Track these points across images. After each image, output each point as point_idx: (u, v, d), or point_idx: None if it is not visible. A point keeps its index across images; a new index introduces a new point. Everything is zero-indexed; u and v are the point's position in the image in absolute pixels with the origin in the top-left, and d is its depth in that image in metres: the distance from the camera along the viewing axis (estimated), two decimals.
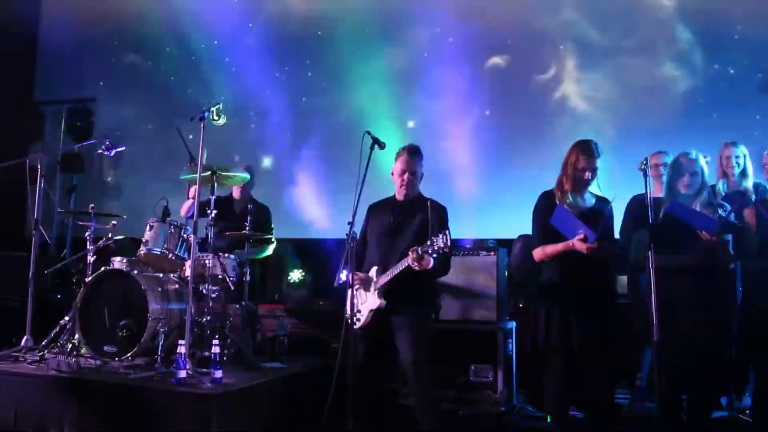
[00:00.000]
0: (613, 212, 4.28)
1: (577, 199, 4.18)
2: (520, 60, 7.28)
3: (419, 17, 7.57)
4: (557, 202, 4.15)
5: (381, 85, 7.30)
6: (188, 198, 5.81)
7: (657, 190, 4.57)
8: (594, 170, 4.13)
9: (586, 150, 4.15)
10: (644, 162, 4.00)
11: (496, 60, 7.38)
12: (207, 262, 5.09)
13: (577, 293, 4.06)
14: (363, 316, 4.31)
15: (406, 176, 4.39)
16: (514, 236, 6.00)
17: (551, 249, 4.14)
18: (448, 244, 3.93)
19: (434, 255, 4.00)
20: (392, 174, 4.49)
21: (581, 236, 3.95)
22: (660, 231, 3.97)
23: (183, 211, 5.89)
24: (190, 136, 5.90)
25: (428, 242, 3.99)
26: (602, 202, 4.22)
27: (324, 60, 7.74)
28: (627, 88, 6.75)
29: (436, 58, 7.44)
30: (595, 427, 4.20)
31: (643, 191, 4.00)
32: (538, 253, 4.23)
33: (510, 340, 5.32)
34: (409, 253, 4.05)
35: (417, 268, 4.06)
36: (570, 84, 7.04)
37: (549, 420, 5.17)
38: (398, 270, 4.17)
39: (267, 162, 7.56)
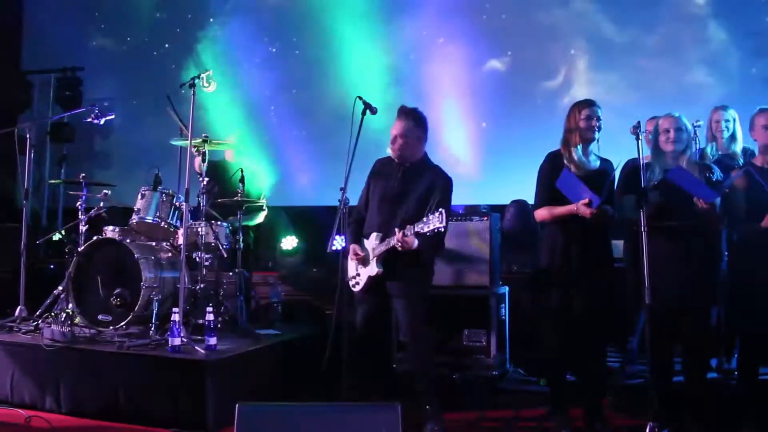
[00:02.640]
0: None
1: (583, 158, 4.13)
2: (523, 62, 6.82)
3: (405, 9, 7.13)
4: (565, 163, 4.12)
5: (373, 60, 6.99)
6: (195, 168, 5.73)
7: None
8: (599, 119, 4.09)
9: (587, 102, 4.14)
10: (637, 125, 3.98)
11: (495, 63, 7.00)
12: (200, 229, 5.08)
13: (578, 256, 4.06)
14: (362, 281, 4.30)
15: (396, 140, 4.31)
16: (507, 202, 6.02)
17: (555, 210, 4.11)
18: (444, 224, 3.86)
19: (428, 233, 3.95)
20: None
21: (585, 201, 3.94)
22: (652, 194, 3.98)
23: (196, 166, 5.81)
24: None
25: (423, 219, 3.93)
26: (607, 165, 4.18)
27: (313, 31, 7.51)
28: (647, 94, 5.91)
29: (424, 59, 7.01)
30: (587, 390, 4.23)
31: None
32: (540, 213, 4.20)
33: (503, 305, 5.36)
34: (395, 230, 4.03)
35: (399, 249, 4.03)
36: (580, 87, 6.42)
37: (542, 383, 5.24)
38: (389, 246, 4.14)
39: (259, 128, 7.46)
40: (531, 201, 5.64)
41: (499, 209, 5.59)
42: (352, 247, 4.32)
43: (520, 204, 5.94)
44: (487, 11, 6.98)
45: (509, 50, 6.96)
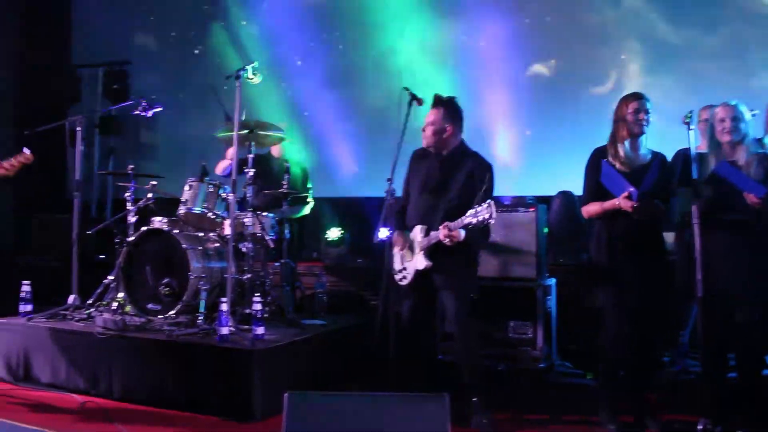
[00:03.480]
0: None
1: (630, 153, 4.06)
2: (569, 67, 6.52)
3: (444, 12, 6.95)
4: (608, 158, 4.04)
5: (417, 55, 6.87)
6: (226, 158, 5.83)
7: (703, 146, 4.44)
8: (647, 111, 4.00)
9: (635, 95, 4.05)
10: (688, 115, 3.90)
11: (539, 68, 6.74)
12: (246, 220, 5.13)
13: (625, 251, 3.98)
14: (408, 275, 4.30)
15: (427, 128, 4.29)
16: (554, 193, 5.95)
17: (601, 206, 4.05)
18: (493, 215, 3.84)
19: (477, 225, 3.94)
20: None
21: (626, 194, 3.88)
22: (704, 187, 3.89)
23: (218, 169, 5.90)
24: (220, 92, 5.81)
25: (471, 211, 3.91)
26: (659, 158, 4.07)
27: (357, 27, 7.45)
28: (706, 99, 5.11)
29: (463, 63, 6.81)
30: (636, 385, 4.17)
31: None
32: (587, 209, 4.13)
33: (549, 297, 5.30)
34: (440, 228, 4.02)
35: (448, 244, 4.03)
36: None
37: (589, 377, 5.18)
38: (434, 240, 4.12)
39: (304, 121, 7.46)
40: (577, 192, 5.64)
41: (545, 200, 5.52)
42: (396, 237, 4.32)
43: (566, 195, 5.86)
44: (530, 14, 6.74)
45: (554, 54, 6.70)
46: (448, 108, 4.29)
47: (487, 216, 3.84)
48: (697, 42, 5.89)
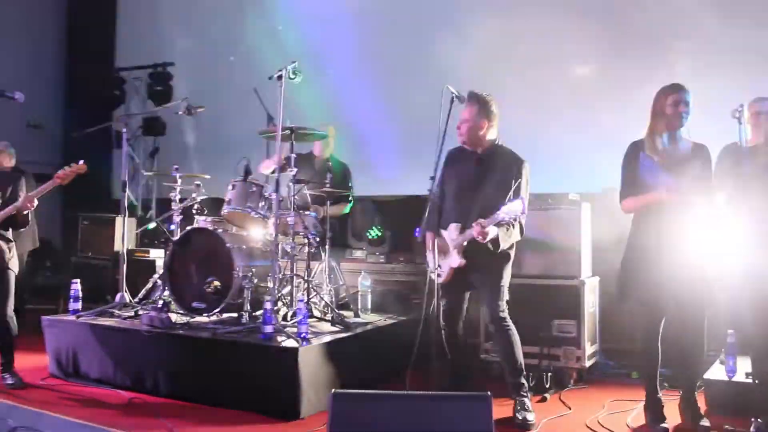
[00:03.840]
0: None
1: (670, 145, 3.98)
2: (612, 68, 6.31)
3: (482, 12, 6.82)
4: (648, 153, 3.97)
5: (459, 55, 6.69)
6: (271, 156, 5.84)
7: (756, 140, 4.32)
8: (687, 103, 3.92)
9: (674, 87, 3.97)
10: (739, 109, 3.81)
11: (580, 70, 6.59)
12: (289, 219, 5.17)
13: (667, 246, 3.89)
14: (444, 273, 4.30)
15: (461, 124, 4.31)
16: (598, 190, 5.86)
17: (640, 200, 3.98)
18: (524, 210, 3.86)
19: (508, 221, 3.94)
20: None
21: (665, 186, 3.81)
22: (754, 182, 3.81)
23: (262, 168, 5.93)
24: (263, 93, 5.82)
25: (503, 207, 3.90)
26: (699, 149, 4.00)
27: (398, 25, 7.44)
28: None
29: (502, 63, 6.63)
30: (683, 384, 4.10)
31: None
32: (626, 204, 4.08)
33: (593, 295, 5.24)
34: (474, 225, 4.00)
35: (481, 240, 4.02)
36: None
37: (634, 376, 5.12)
38: (468, 237, 4.12)
39: (346, 119, 7.48)
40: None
41: (589, 197, 5.45)
42: (428, 238, 4.32)
43: (610, 193, 5.77)
44: (571, 12, 6.53)
45: (596, 55, 6.50)
46: (483, 105, 4.30)
47: (518, 211, 3.84)
48: (752, 40, 5.56)
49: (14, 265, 4.87)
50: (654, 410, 4.03)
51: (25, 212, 4.72)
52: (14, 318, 4.87)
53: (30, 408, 4.32)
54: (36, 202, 4.72)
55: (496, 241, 4.10)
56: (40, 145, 8.81)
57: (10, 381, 4.79)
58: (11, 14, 9.04)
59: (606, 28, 6.37)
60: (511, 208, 3.87)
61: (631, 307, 4.15)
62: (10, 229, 4.85)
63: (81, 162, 4.80)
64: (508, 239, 4.19)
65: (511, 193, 4.07)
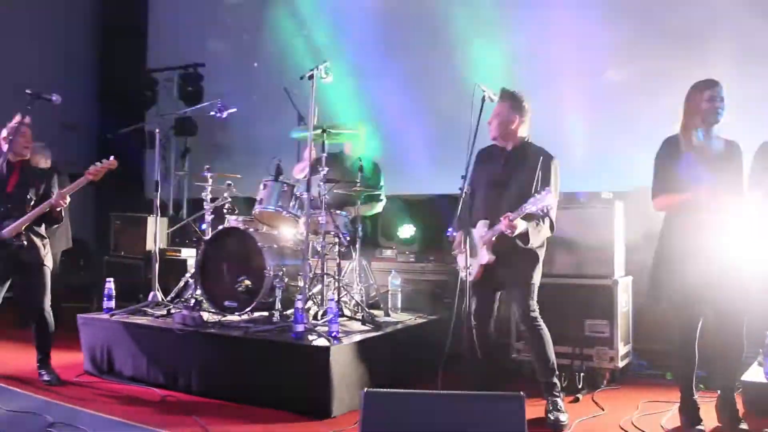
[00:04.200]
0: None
1: (705, 141, 3.91)
2: (648, 72, 6.14)
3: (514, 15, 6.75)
4: (683, 148, 3.92)
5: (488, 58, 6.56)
6: (303, 159, 5.87)
7: None
8: (722, 99, 3.85)
9: (709, 82, 3.90)
10: None
11: (613, 75, 6.45)
12: (320, 218, 5.18)
13: (701, 246, 3.82)
14: (473, 271, 4.27)
15: (492, 120, 4.29)
16: (630, 188, 5.80)
17: (674, 198, 3.92)
18: (551, 202, 3.86)
19: (538, 213, 3.92)
20: None
21: (703, 186, 3.75)
22: None
23: (296, 172, 5.95)
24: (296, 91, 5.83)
25: (530, 200, 3.90)
26: (732, 147, 3.94)
27: (430, 27, 7.41)
28: None
29: (534, 67, 6.57)
30: (719, 386, 4.04)
31: None
32: (659, 202, 4.02)
33: (626, 295, 5.18)
34: (502, 219, 3.99)
35: (510, 235, 4.01)
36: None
37: (669, 377, 5.05)
38: (497, 232, 4.11)
39: (377, 118, 7.46)
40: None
41: (622, 196, 5.39)
42: (457, 237, 4.30)
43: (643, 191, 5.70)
44: (606, 14, 6.46)
45: (631, 59, 6.38)
46: (515, 101, 4.30)
47: (547, 204, 3.82)
48: None
49: (49, 261, 4.96)
50: (690, 412, 3.97)
51: (58, 209, 4.79)
52: (51, 314, 4.95)
53: (67, 404, 4.39)
54: (68, 199, 4.78)
55: (525, 236, 4.09)
56: (75, 145, 8.96)
57: (46, 378, 4.87)
58: (46, 18, 9.21)
59: (641, 27, 6.30)
60: (539, 201, 3.86)
61: (665, 308, 4.08)
62: (44, 226, 4.93)
63: (111, 158, 4.86)
64: (538, 234, 4.16)
65: (538, 186, 4.06)
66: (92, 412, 4.25)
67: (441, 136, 6.92)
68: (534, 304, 4.23)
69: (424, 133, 7.19)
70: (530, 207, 3.89)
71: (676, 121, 4.02)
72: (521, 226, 4.01)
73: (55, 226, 5.09)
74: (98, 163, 4.83)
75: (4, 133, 4.75)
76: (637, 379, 5.19)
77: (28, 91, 4.20)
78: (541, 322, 4.23)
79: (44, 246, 4.93)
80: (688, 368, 3.97)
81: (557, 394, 4.20)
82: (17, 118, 4.64)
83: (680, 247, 3.88)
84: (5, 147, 4.57)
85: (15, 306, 5.12)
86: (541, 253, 4.32)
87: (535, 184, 4.11)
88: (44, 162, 5.92)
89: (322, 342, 4.39)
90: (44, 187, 4.86)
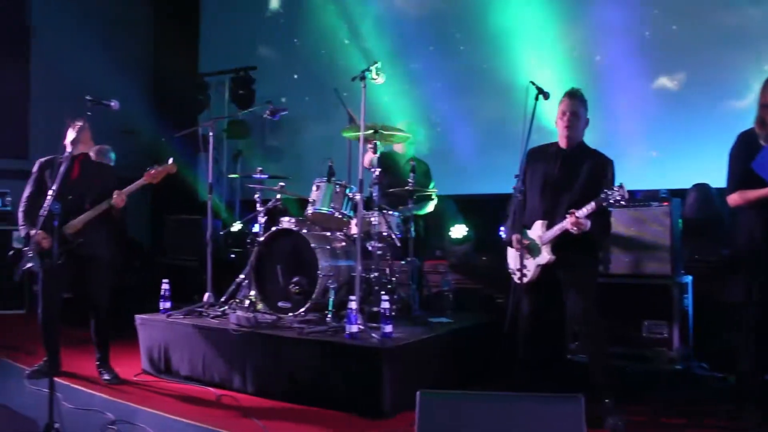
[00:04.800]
0: None
1: None
2: (701, 78, 6.02)
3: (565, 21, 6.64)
4: (761, 142, 3.80)
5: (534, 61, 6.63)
6: (365, 164, 5.85)
7: None
8: None
9: None
10: None
11: (665, 81, 6.30)
12: (372, 219, 5.18)
13: None
14: (530, 272, 4.23)
15: (566, 116, 4.24)
16: (688, 186, 5.68)
17: (753, 194, 3.80)
18: (625, 197, 3.81)
19: (609, 208, 3.87)
20: (556, 123, 4.35)
21: None
22: None
23: (366, 162, 5.91)
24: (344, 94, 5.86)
25: (602, 195, 3.89)
26: None
27: (476, 29, 7.34)
28: None
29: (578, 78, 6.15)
30: None
31: None
32: (734, 198, 3.91)
33: (686, 295, 5.05)
34: (567, 216, 3.95)
35: (575, 232, 3.98)
36: None
37: (731, 380, 4.90)
38: (560, 231, 4.08)
39: (429, 118, 7.44)
40: (714, 184, 5.35)
41: (679, 194, 5.27)
42: (515, 237, 4.24)
43: (702, 188, 5.57)
44: (653, 21, 6.32)
45: (683, 65, 6.24)
46: (583, 101, 4.29)
47: (619, 198, 3.83)
48: None
49: (108, 257, 5.09)
50: (753, 415, 3.86)
51: (117, 208, 4.88)
52: (109, 312, 5.10)
53: (126, 403, 4.49)
54: (126, 199, 4.88)
55: (585, 238, 4.05)
56: (132, 149, 9.13)
57: (106, 377, 4.98)
58: (104, 27, 9.43)
59: (690, 36, 6.14)
60: (610, 195, 3.87)
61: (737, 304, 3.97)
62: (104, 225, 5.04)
63: (170, 161, 4.95)
64: (602, 232, 4.16)
65: (602, 186, 4.03)
66: (151, 410, 4.34)
67: (492, 135, 6.87)
68: (593, 303, 4.16)
69: (475, 132, 7.15)
70: (602, 202, 3.89)
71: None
72: (587, 224, 3.98)
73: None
74: (157, 166, 4.92)
75: (71, 135, 4.87)
76: (698, 381, 5.05)
77: (88, 97, 4.29)
78: (600, 322, 4.16)
79: (104, 243, 5.04)
80: (751, 368, 3.87)
81: (614, 396, 4.12)
82: (78, 123, 4.76)
83: (757, 244, 3.82)
84: (69, 148, 4.69)
85: (76, 304, 5.23)
86: (599, 254, 4.27)
87: (598, 184, 4.08)
88: (107, 163, 6.08)
89: (375, 343, 4.40)
90: (103, 182, 4.96)
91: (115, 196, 4.83)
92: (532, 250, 4.23)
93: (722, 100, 5.92)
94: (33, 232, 4.63)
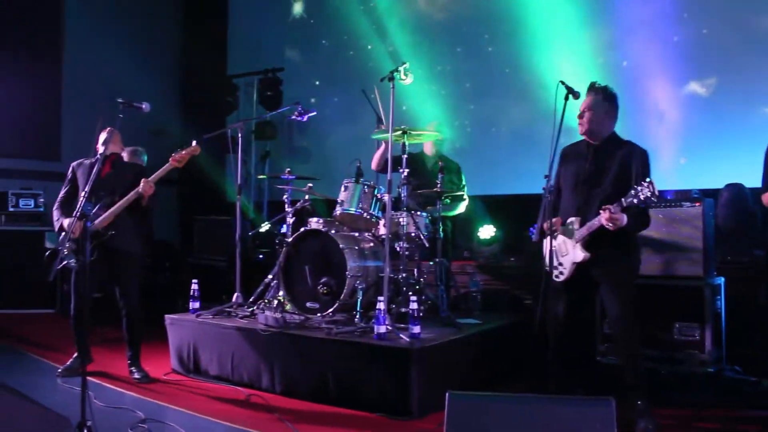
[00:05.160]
0: None
1: None
2: (733, 83, 5.93)
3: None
4: None
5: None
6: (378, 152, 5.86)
7: None
8: None
9: None
10: None
11: (696, 87, 6.24)
12: (401, 220, 5.18)
13: None
14: (566, 270, 4.18)
15: (583, 114, 4.19)
16: (720, 186, 5.60)
17: None
18: (655, 193, 3.72)
19: (641, 205, 3.81)
20: None
21: None
22: None
23: (374, 163, 5.94)
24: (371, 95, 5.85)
25: (631, 192, 3.80)
26: None
27: (502, 31, 7.35)
28: None
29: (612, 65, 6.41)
30: None
31: None
32: None
33: (718, 297, 4.98)
34: (601, 212, 3.90)
35: (611, 228, 3.91)
36: None
37: (765, 383, 4.83)
38: (595, 227, 4.02)
39: (458, 118, 7.42)
40: (748, 185, 5.27)
41: (711, 194, 5.19)
42: (549, 222, 4.11)
43: (735, 188, 5.48)
44: (683, 26, 6.24)
45: (714, 70, 6.16)
46: (605, 94, 4.21)
47: (648, 194, 3.73)
48: None
49: (139, 251, 5.16)
50: None
51: (146, 196, 4.92)
52: (141, 309, 5.17)
53: (156, 401, 4.53)
54: (154, 187, 4.91)
55: (621, 233, 3.98)
56: (160, 151, 9.22)
57: (137, 376, 5.04)
58: (133, 29, 9.56)
59: (721, 40, 6.05)
60: (641, 193, 3.77)
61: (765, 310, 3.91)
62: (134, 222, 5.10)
63: (194, 143, 4.99)
64: (638, 225, 4.08)
65: (637, 178, 3.95)
66: (181, 409, 4.38)
67: (521, 135, 6.83)
68: (629, 304, 4.10)
69: (504, 132, 7.12)
70: (632, 199, 3.81)
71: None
72: (622, 219, 3.91)
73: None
74: (181, 150, 4.96)
75: (103, 137, 4.94)
76: (731, 385, 4.97)
77: (119, 100, 4.33)
78: (634, 323, 4.10)
79: (134, 239, 5.09)
80: None
81: (645, 399, 4.07)
82: (109, 126, 4.83)
83: None
84: (101, 149, 4.75)
85: (107, 303, 5.30)
86: (638, 251, 4.21)
87: (632, 176, 4.01)
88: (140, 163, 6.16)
89: (403, 344, 4.39)
90: (133, 178, 5.00)
91: (142, 183, 4.87)
92: (566, 246, 4.19)
93: (755, 105, 5.85)
94: (67, 222, 4.69)
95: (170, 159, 4.97)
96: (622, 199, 3.84)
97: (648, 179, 3.77)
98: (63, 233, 4.85)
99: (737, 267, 5.29)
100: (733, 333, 5.09)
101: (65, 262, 4.72)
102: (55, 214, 5.07)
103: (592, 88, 4.22)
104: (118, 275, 5.08)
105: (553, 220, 4.14)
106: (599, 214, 3.96)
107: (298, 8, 9.22)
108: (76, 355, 5.09)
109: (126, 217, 4.98)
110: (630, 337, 4.09)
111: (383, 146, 5.25)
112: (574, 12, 6.78)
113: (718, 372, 4.93)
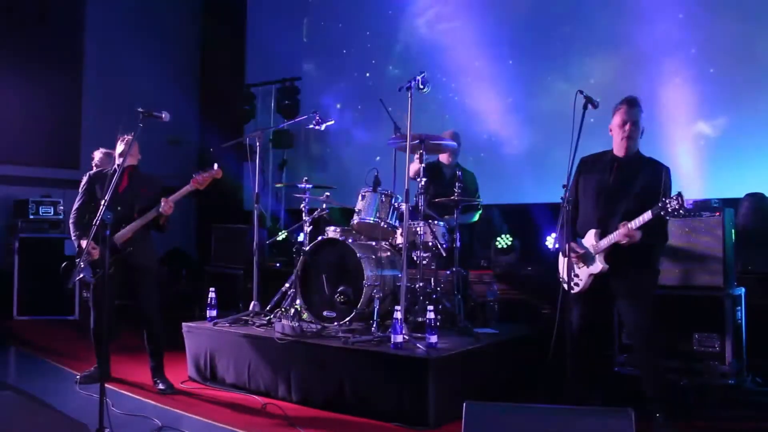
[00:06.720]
0: None
1: None
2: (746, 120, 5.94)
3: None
4: None
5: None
6: (411, 174, 5.84)
7: None
8: None
9: None
10: None
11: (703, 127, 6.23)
12: (418, 229, 5.17)
13: None
14: (582, 281, 4.17)
15: (627, 126, 4.17)
16: (741, 195, 5.55)
17: None
18: (684, 206, 3.74)
19: (666, 217, 3.83)
20: (610, 130, 4.28)
21: None
22: None
23: (411, 172, 5.90)
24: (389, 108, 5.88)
25: (659, 204, 3.82)
26: None
27: (523, 41, 7.38)
28: None
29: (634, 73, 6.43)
30: None
31: None
32: None
33: (739, 308, 4.92)
34: (619, 227, 3.90)
35: (624, 244, 3.92)
36: None
37: None
38: (613, 241, 4.01)
39: (474, 126, 7.40)
40: None
41: (732, 203, 5.14)
42: (570, 245, 4.18)
43: (756, 197, 5.43)
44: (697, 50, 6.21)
45: (724, 109, 6.17)
46: (642, 109, 4.23)
47: (677, 206, 3.74)
48: None
49: (156, 266, 5.16)
50: None
51: (165, 215, 4.95)
52: (162, 320, 5.17)
53: (173, 409, 4.54)
54: (173, 206, 4.94)
55: (641, 246, 4.00)
56: (178, 159, 9.31)
57: (161, 386, 5.00)
58: (152, 39, 9.65)
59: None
60: (667, 204, 3.80)
61: None
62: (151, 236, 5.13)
63: (216, 166, 5.00)
64: (654, 243, 4.10)
65: (660, 195, 3.95)
66: (197, 417, 4.39)
67: (539, 144, 6.81)
68: (648, 315, 4.08)
69: (524, 140, 7.09)
70: (659, 210, 3.83)
71: None
72: (638, 235, 3.93)
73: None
74: (203, 172, 4.98)
75: (120, 148, 4.97)
76: (751, 397, 4.91)
77: (139, 109, 4.34)
78: (654, 334, 4.07)
79: (152, 253, 5.13)
80: None
81: (665, 410, 4.03)
82: (127, 136, 4.86)
83: None
84: (118, 160, 4.78)
85: (130, 311, 5.33)
86: (657, 264, 4.19)
87: (652, 195, 3.99)
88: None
89: (420, 353, 4.37)
90: (151, 192, 5.04)
91: (162, 203, 4.90)
92: (586, 258, 4.17)
93: None
94: (84, 242, 4.72)
95: (191, 180, 4.98)
96: (649, 211, 3.84)
97: (678, 192, 3.79)
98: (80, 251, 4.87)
99: (758, 277, 5.23)
100: (754, 344, 5.03)
101: (82, 275, 4.73)
102: (71, 229, 5.08)
103: (631, 101, 4.22)
104: (136, 289, 5.08)
105: (572, 244, 4.13)
106: (619, 228, 3.96)
107: (320, 14, 9.26)
108: (96, 365, 5.11)
109: (143, 231, 5.01)
110: (649, 349, 4.06)
111: (417, 157, 5.25)
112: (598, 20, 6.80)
113: (739, 383, 4.87)
